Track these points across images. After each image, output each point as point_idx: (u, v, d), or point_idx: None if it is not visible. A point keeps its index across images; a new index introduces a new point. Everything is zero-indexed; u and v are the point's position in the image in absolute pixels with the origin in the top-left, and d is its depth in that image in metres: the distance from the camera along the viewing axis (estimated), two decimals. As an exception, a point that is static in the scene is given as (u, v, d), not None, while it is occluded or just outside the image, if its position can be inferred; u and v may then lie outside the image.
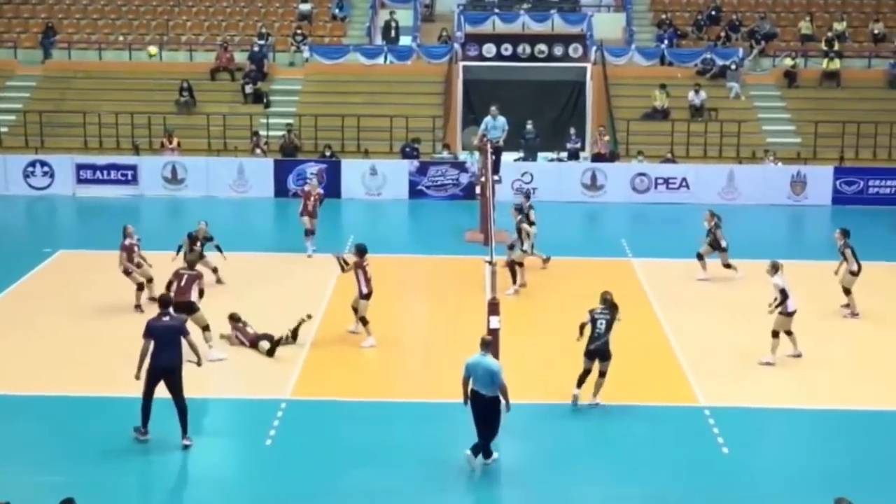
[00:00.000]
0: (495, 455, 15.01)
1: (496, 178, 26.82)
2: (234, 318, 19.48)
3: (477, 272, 22.03)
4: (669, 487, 14.54)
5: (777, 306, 18.51)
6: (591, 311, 16.65)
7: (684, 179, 32.27)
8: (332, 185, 32.18)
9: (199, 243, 22.55)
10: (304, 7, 39.62)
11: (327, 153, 33.27)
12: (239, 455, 15.60)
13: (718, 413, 16.73)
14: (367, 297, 19.33)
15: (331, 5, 40.03)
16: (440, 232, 28.39)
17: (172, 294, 17.62)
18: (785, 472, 15.01)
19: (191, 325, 16.71)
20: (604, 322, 16.52)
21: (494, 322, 15.97)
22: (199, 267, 20.08)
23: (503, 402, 14.67)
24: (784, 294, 18.42)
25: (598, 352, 16.58)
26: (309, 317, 19.63)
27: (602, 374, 16.71)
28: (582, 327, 16.66)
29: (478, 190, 28.26)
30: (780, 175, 32.40)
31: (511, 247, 22.80)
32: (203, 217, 23.38)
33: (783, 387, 17.98)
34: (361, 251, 19.33)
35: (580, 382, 16.82)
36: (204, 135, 34.54)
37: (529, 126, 34.43)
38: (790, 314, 18.54)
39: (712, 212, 23.94)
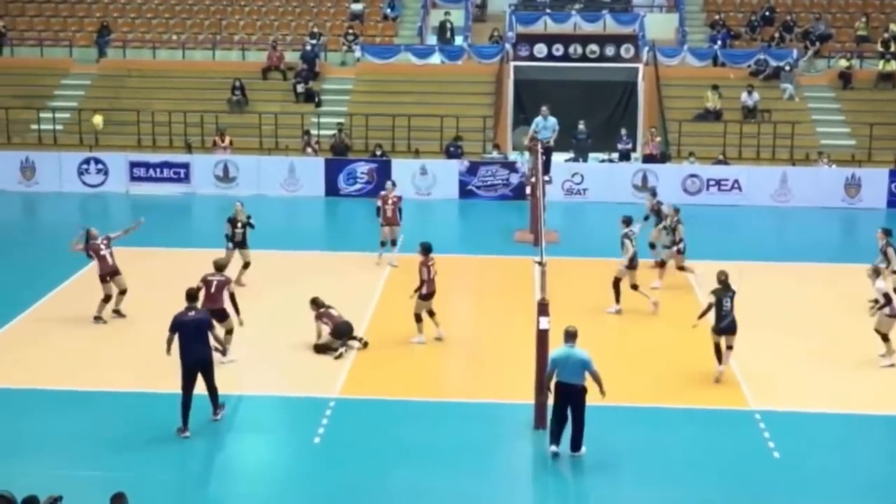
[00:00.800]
0: (584, 449, 15.15)
1: (546, 178, 26.77)
2: (316, 303, 19.38)
3: (527, 273, 21.98)
4: (718, 491, 14.44)
5: (879, 308, 18.67)
6: (715, 292, 17.74)
7: (736, 181, 32.02)
8: (382, 184, 32.15)
9: (239, 225, 22.67)
10: (356, 7, 39.75)
11: (378, 153, 33.34)
12: (288, 452, 15.66)
13: (769, 417, 16.59)
14: (426, 297, 19.35)
15: (382, 5, 40.12)
16: (490, 232, 28.35)
17: (200, 303, 17.30)
18: (836, 478, 14.85)
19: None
20: (729, 300, 17.70)
21: (544, 323, 15.90)
22: (234, 259, 20.13)
23: (598, 388, 14.94)
24: (887, 298, 18.57)
25: (728, 328, 17.74)
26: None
27: (730, 347, 17.91)
28: (708, 309, 17.85)
29: (528, 190, 28.21)
30: (835, 177, 32.04)
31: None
32: (254, 215, 23.43)
33: (837, 391, 17.78)
34: (426, 250, 19.42)
35: (719, 358, 17.92)
36: (255, 134, 34.75)
37: (581, 126, 34.30)
38: (894, 316, 18.62)
39: (676, 207, 23.73)
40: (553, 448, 15.17)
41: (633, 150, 34.94)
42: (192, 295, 16.13)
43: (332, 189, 32.51)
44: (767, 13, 39.10)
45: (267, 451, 15.80)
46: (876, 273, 18.95)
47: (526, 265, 22.05)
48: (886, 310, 18.63)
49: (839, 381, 18.17)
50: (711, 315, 17.88)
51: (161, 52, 38.31)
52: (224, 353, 16.44)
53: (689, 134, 34.43)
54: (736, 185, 31.97)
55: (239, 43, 38.60)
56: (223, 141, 33.61)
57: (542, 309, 16.03)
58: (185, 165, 32.91)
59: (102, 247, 20.75)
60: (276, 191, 32.30)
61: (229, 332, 18.26)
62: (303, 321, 19.62)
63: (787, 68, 36.15)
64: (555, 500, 14.73)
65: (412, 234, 24.92)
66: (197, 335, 15.48)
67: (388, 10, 39.80)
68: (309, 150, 33.66)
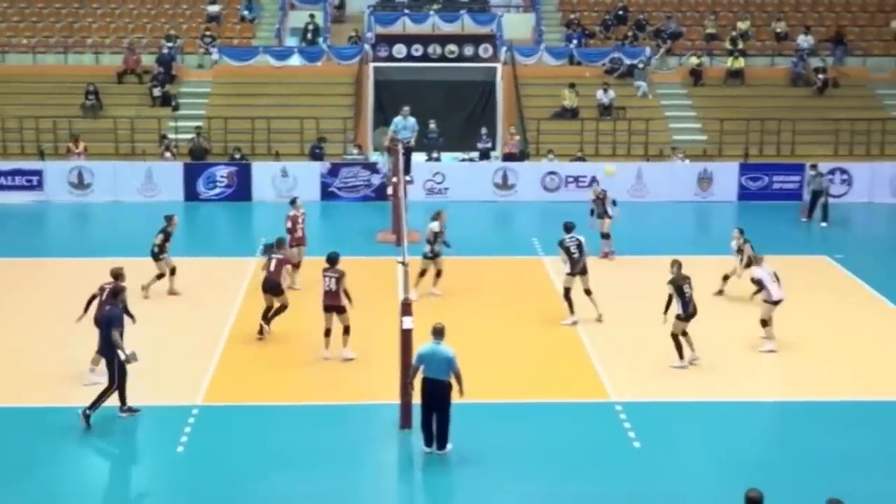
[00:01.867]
0: (450, 446, 15.23)
1: (408, 178, 26.88)
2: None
3: (390, 273, 22.04)
4: (581, 483, 14.69)
5: (755, 294, 19.63)
6: (673, 282, 18.28)
7: (594, 177, 32.50)
8: (242, 187, 32.00)
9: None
10: (213, 9, 39.28)
11: (237, 156, 33.03)
12: (151, 463, 15.42)
13: (630, 408, 16.95)
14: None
15: (239, 7, 39.74)
16: (352, 233, 28.33)
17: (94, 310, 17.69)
18: (695, 464, 15.25)
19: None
20: (688, 285, 18.34)
21: (408, 323, 15.96)
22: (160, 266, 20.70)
23: (458, 387, 15.00)
24: (760, 284, 19.34)
25: (695, 312, 18.31)
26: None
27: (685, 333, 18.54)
28: (670, 300, 18.32)
29: (389, 191, 28.28)
30: (687, 172, 32.92)
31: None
32: (112, 222, 23.01)
33: (693, 382, 18.24)
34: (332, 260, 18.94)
35: (680, 350, 18.40)
36: (111, 139, 34.07)
37: (432, 126, 34.50)
38: (774, 302, 19.26)
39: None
40: (426, 449, 15.26)
41: (493, 148, 35.32)
42: (115, 291, 16.74)
43: (191, 194, 32.07)
44: (621, 12, 39.92)
45: (130, 462, 15.54)
46: (756, 262, 19.76)
47: (389, 265, 22.10)
48: (762, 294, 19.35)
49: (698, 371, 18.62)
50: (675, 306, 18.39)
51: (10, 57, 37.29)
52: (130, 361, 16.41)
53: (547, 132, 34.94)
54: (594, 182, 32.44)
55: (92, 46, 37.78)
56: (77, 147, 32.86)
57: (406, 309, 16.09)
58: (38, 173, 32.08)
59: None
60: (134, 197, 31.72)
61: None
62: (162, 330, 19.33)
63: (641, 66, 36.98)
64: (423, 498, 14.82)
65: (274, 236, 24.72)
66: (102, 328, 16.22)
67: (246, 12, 39.43)
68: (167, 154, 33.15)
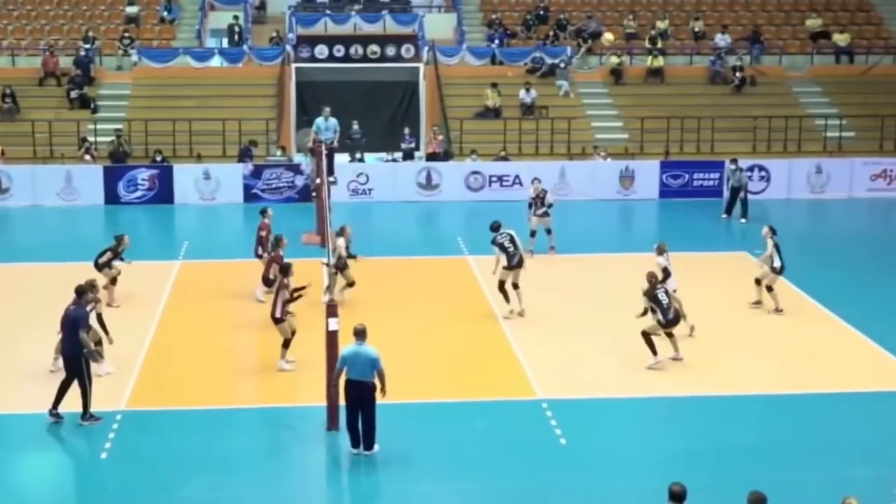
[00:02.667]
0: (377, 448, 15.22)
1: (331, 179, 26.79)
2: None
3: (315, 275, 21.96)
4: (509, 480, 14.79)
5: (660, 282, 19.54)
6: (647, 293, 18.35)
7: (517, 177, 32.73)
8: (164, 190, 31.68)
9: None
10: (131, 10, 38.82)
11: (158, 158, 32.68)
12: (75, 470, 15.23)
13: (555, 405, 17.08)
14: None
15: (159, 8, 39.32)
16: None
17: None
18: (621, 460, 15.42)
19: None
20: (664, 293, 18.51)
21: (333, 324, 15.95)
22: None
23: (381, 387, 15.04)
24: (666, 273, 19.65)
25: (676, 318, 18.64)
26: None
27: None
28: (645, 312, 18.55)
29: (313, 192, 28.17)
30: (609, 170, 33.21)
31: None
32: (32, 227, 22.66)
33: (619, 378, 18.43)
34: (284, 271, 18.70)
35: (654, 350, 18.47)
36: (29, 142, 33.52)
37: (355, 126, 34.45)
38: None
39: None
40: (353, 451, 15.25)
41: (417, 148, 35.36)
42: (79, 290, 16.55)
43: (111, 197, 31.66)
44: (542, 12, 40.17)
45: (53, 469, 15.33)
46: (660, 251, 20.00)
47: (314, 267, 22.03)
48: (666, 284, 19.56)
49: (621, 367, 18.81)
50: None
51: (-77, 59, 36.59)
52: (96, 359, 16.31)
53: (470, 132, 35.07)
54: (517, 181, 32.69)
55: (8, 48, 37.16)
56: (-6, 151, 32.31)
57: (331, 310, 16.08)
58: (-46, 177, 31.49)
59: None
60: (53, 200, 31.24)
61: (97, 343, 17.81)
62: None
63: (562, 65, 37.26)
64: (350, 500, 14.81)
65: (198, 240, 24.62)
66: (66, 328, 16.10)
67: (165, 13, 39.04)
68: (87, 157, 32.70)
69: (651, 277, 18.69)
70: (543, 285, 22.79)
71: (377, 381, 15.06)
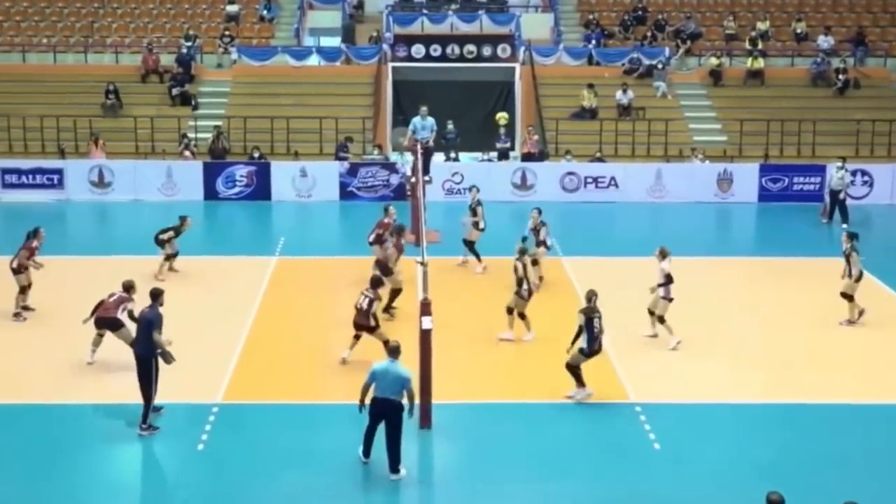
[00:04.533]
0: (403, 472, 14.79)
1: (427, 178, 26.85)
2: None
3: (409, 273, 22.00)
4: (600, 483, 14.68)
5: (660, 286, 19.29)
6: (584, 311, 16.88)
7: (613, 178, 32.53)
8: (262, 187, 32.05)
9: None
10: (232, 8, 39.38)
11: (256, 155, 33.08)
12: (171, 460, 15.45)
13: (649, 409, 16.90)
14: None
15: (258, 7, 39.82)
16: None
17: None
18: (716, 466, 15.19)
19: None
20: (598, 320, 16.89)
21: (427, 323, 15.97)
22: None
23: (407, 407, 14.68)
24: (668, 279, 19.21)
25: (599, 349, 17.05)
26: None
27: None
28: (579, 332, 16.85)
29: (409, 190, 28.27)
30: (707, 173, 32.78)
31: None
32: (132, 221, 23.12)
33: (713, 382, 18.20)
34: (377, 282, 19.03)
35: (580, 381, 17.10)
36: (131, 138, 34.17)
37: (450, 126, 34.52)
38: (670, 299, 19.32)
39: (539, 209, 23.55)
40: (364, 459, 15.01)
41: (512, 148, 35.29)
42: (154, 294, 16.38)
43: (210, 193, 32.14)
44: (640, 12, 39.85)
45: (150, 459, 15.57)
46: (662, 255, 19.46)
47: (408, 265, 22.08)
48: (661, 291, 19.32)
49: (717, 372, 18.58)
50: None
51: (31, 56, 37.45)
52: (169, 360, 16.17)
53: (565, 132, 34.90)
54: (612, 182, 32.49)
55: (112, 46, 37.91)
56: (97, 146, 32.97)
57: (425, 309, 16.10)
58: (59, 171, 32.19)
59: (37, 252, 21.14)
60: (154, 195, 31.80)
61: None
62: (186, 328, 19.36)
63: (660, 66, 36.90)
64: (439, 496, 14.73)
65: (294, 237, 24.85)
66: (141, 331, 16.09)
67: (265, 12, 39.52)
68: (186, 153, 33.23)
69: (589, 296, 17.03)
70: (636, 286, 22.55)
71: (405, 402, 14.64)
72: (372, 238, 22.66)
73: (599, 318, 16.95)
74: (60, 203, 31.64)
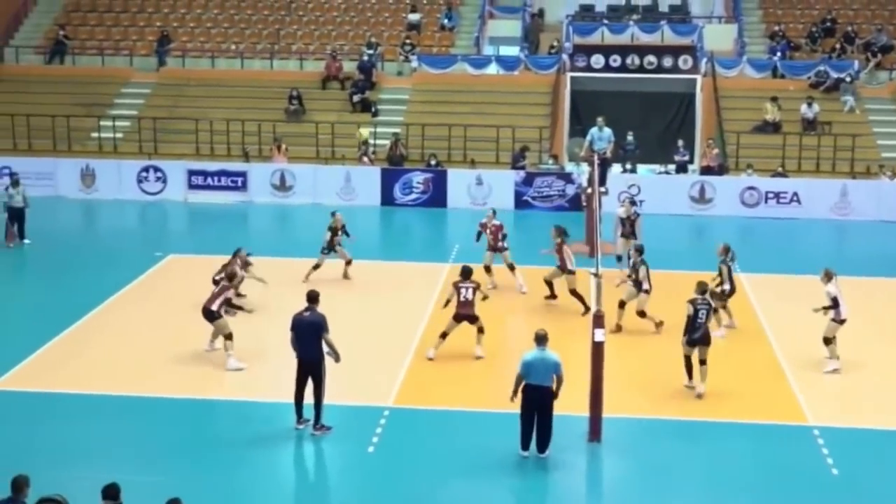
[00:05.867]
0: (548, 451, 15.29)
1: (603, 189, 26.62)
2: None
3: (583, 284, 21.84)
4: (776, 507, 14.27)
5: (824, 309, 18.71)
6: (693, 302, 17.44)
7: (795, 194, 31.68)
8: (438, 194, 32.32)
9: (338, 233, 23.64)
10: (413, 17, 39.86)
11: (433, 162, 33.37)
12: (341, 461, 15.65)
13: (828, 433, 16.35)
14: (456, 318, 19.16)
15: (439, 15, 40.20)
16: (546, 243, 28.15)
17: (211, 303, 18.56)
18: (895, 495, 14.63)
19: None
20: (705, 311, 17.47)
21: (599, 335, 15.83)
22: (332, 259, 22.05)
23: (556, 390, 15.19)
24: (835, 302, 18.60)
25: (700, 339, 17.43)
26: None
27: (703, 362, 17.54)
28: (688, 321, 17.43)
29: (584, 201, 28.06)
30: (896, 191, 31.62)
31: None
32: (311, 224, 23.60)
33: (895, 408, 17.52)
34: (465, 273, 19.38)
35: (689, 373, 17.72)
36: (312, 143, 34.91)
37: (630, 137, 34.19)
38: (841, 322, 18.67)
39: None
40: (523, 454, 15.33)
41: (691, 161, 34.73)
42: (311, 297, 16.37)
43: (387, 198, 32.59)
44: (829, 24, 38.70)
45: (321, 459, 15.81)
46: (828, 277, 18.76)
47: (582, 277, 21.90)
48: (832, 313, 18.64)
49: (899, 397, 17.90)
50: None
51: (220, 62, 38.67)
52: (337, 359, 16.21)
53: (747, 146, 34.14)
54: (795, 198, 31.64)
55: (296, 52, 38.83)
56: (280, 150, 33.80)
57: (598, 321, 15.95)
58: (243, 174, 33.15)
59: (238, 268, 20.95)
60: (333, 200, 32.35)
61: (228, 337, 18.54)
62: (363, 330, 19.65)
63: (848, 80, 35.76)
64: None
65: (469, 244, 24.92)
66: (308, 335, 15.94)
67: (445, 21, 39.87)
68: (365, 159, 33.75)
69: (701, 285, 17.71)
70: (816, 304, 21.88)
71: (554, 386, 15.16)
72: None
73: (707, 309, 17.49)
74: (243, 205, 32.54)
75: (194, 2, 41.07)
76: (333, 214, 23.85)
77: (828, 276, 18.83)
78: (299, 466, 15.70)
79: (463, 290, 19.06)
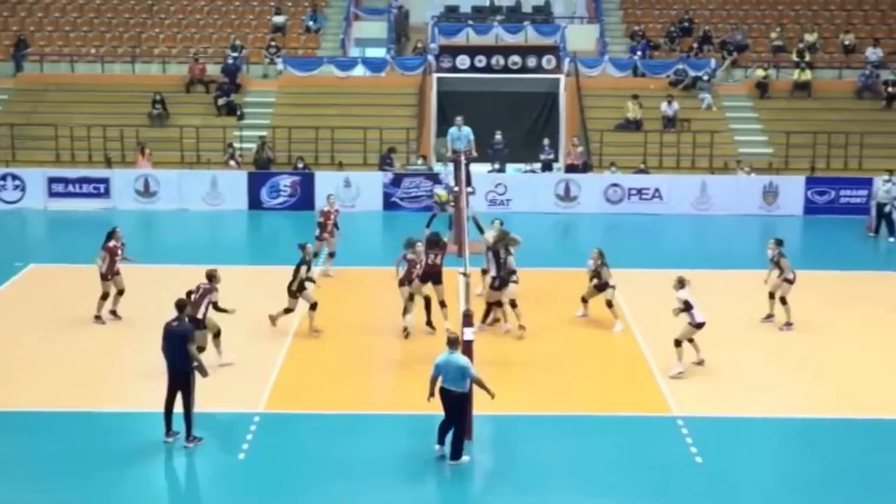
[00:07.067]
0: (465, 458, 15.31)
1: (470, 189, 26.76)
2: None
3: (451, 284, 22.00)
4: (643, 497, 14.57)
5: (678, 311, 18.85)
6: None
7: (657, 190, 32.41)
8: (305, 197, 32.19)
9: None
10: (278, 19, 39.62)
11: (300, 165, 33.22)
12: (212, 469, 15.50)
13: (692, 423, 16.77)
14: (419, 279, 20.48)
15: (304, 17, 40.03)
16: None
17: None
18: (758, 481, 15.05)
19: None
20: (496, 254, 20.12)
21: (468, 334, 15.95)
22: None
23: (486, 391, 15.27)
24: (687, 305, 18.70)
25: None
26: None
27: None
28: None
29: (451, 201, 28.15)
30: (753, 185, 32.58)
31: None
32: (177, 230, 23.26)
33: (755, 396, 18.03)
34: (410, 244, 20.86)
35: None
36: (177, 147, 34.44)
37: (498, 136, 34.56)
38: (697, 325, 18.77)
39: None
40: (437, 448, 15.50)
41: (556, 160, 35.24)
42: (180, 306, 16.09)
43: (255, 202, 32.34)
44: (686, 24, 39.66)
45: (192, 467, 15.62)
46: (680, 284, 18.85)
47: (450, 276, 22.05)
48: (686, 317, 18.78)
49: (760, 386, 18.43)
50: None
51: (80, 66, 37.85)
52: (202, 372, 15.86)
53: (610, 144, 34.80)
54: (657, 194, 32.38)
55: (159, 56, 38.24)
56: (144, 155, 33.25)
57: (467, 320, 16.08)
58: (105, 180, 32.52)
59: (119, 251, 21.17)
60: (199, 205, 32.03)
61: (217, 335, 18.69)
62: (232, 335, 19.46)
63: (706, 78, 36.71)
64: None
65: (338, 246, 24.90)
66: (175, 346, 15.69)
67: (311, 23, 39.71)
68: (231, 163, 33.43)
69: (682, 282, 18.75)
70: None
71: (477, 388, 15.28)
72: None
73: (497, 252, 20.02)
74: (106, 212, 31.92)
75: (52, 4, 40.15)
76: (303, 247, 21.61)
77: (680, 283, 18.88)
78: (169, 475, 15.47)
79: (430, 257, 20.51)
